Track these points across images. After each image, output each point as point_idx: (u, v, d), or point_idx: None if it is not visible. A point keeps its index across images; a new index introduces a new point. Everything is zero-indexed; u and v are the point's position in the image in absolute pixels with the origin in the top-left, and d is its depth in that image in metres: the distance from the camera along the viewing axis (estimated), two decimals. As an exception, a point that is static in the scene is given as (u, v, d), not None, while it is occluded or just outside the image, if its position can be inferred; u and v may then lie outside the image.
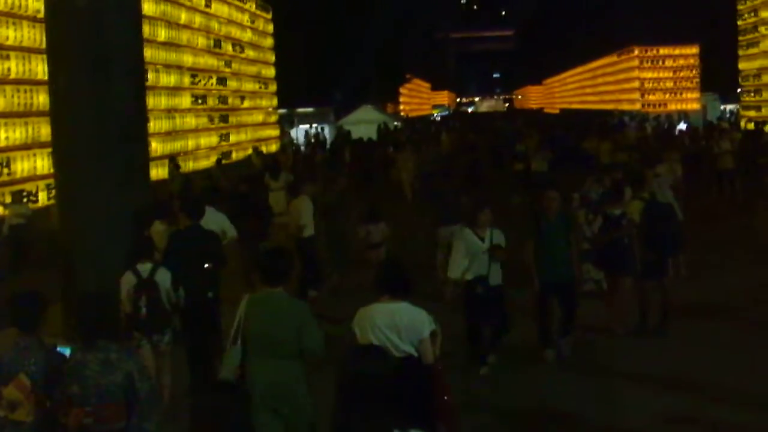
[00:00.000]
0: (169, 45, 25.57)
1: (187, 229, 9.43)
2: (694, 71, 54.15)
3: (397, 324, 6.24)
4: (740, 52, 37.78)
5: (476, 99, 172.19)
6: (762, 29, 35.01)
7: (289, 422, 6.14)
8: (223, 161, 27.95)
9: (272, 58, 39.83)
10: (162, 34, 24.94)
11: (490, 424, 8.42)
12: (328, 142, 43.87)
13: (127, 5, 9.65)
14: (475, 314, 9.53)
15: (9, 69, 16.89)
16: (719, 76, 48.55)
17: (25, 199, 17.13)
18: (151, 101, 22.73)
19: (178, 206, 10.96)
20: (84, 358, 5.15)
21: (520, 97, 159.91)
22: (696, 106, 52.74)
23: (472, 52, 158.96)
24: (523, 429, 8.48)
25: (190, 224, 9.42)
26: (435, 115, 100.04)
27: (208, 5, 30.09)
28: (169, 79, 25.45)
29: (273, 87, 39.87)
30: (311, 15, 49.22)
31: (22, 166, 17.27)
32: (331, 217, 13.63)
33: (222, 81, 31.58)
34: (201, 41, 29.05)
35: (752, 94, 36.95)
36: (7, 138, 16.89)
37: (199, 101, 28.59)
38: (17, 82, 17.13)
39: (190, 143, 27.38)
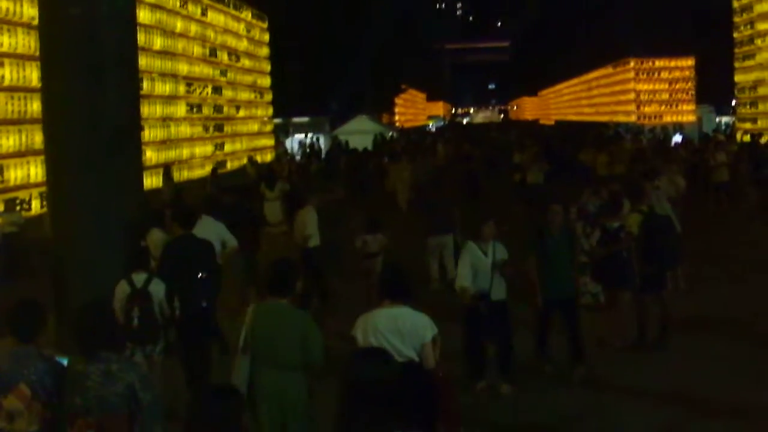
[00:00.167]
0: (164, 53, 25.49)
1: (180, 239, 9.34)
2: (689, 83, 54.18)
3: (400, 328, 6.26)
4: (736, 65, 37.78)
5: (471, 110, 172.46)
6: (758, 41, 35.02)
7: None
8: (219, 170, 27.86)
9: (268, 67, 39.79)
10: (157, 42, 24.86)
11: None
12: (323, 151, 43.83)
13: (121, 13, 9.55)
14: (476, 330, 9.35)
15: (3, 76, 16.77)
16: (715, 88, 48.61)
17: (18, 208, 17.00)
18: (146, 110, 22.63)
19: (170, 216, 10.86)
20: (85, 369, 5.11)
21: (515, 108, 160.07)
22: (692, 118, 52.75)
23: (467, 63, 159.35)
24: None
25: (182, 234, 9.33)
26: (430, 125, 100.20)
27: (204, 14, 30.03)
28: (164, 88, 25.35)
29: (268, 96, 39.81)
30: (307, 25, 49.26)
31: (15, 173, 17.13)
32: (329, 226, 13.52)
33: (217, 90, 31.51)
34: (197, 50, 28.98)
35: (748, 107, 36.95)
36: (0, 145, 16.77)
37: (195, 110, 28.50)
38: (11, 89, 17.01)
39: (185, 152, 27.26)
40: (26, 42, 17.24)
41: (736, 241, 18.22)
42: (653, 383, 9.43)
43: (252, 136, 36.86)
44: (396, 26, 72.78)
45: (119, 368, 5.12)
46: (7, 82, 16.89)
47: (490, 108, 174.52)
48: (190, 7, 28.40)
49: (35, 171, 17.35)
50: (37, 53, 10.12)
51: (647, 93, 55.09)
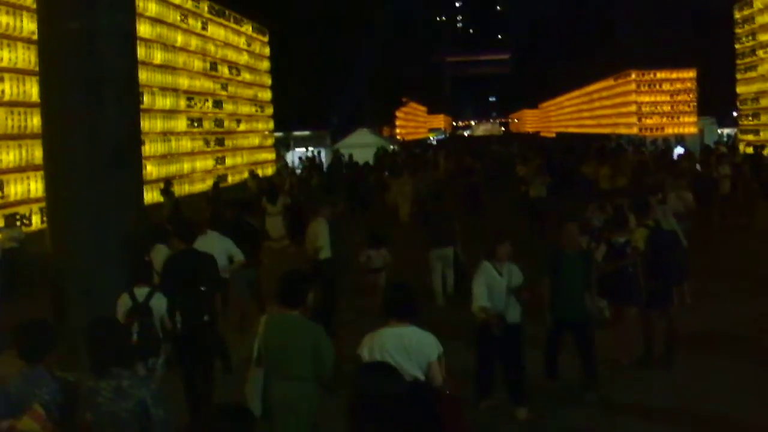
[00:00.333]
0: (165, 67, 25.44)
1: (182, 253, 9.23)
2: (691, 95, 54.11)
3: (407, 347, 6.22)
4: (738, 76, 37.71)
5: (472, 122, 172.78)
6: (760, 53, 34.95)
7: None
8: (220, 185, 27.79)
9: (269, 81, 39.75)
10: (158, 56, 24.82)
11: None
12: (325, 165, 43.79)
13: (121, 27, 9.50)
14: (488, 351, 9.04)
15: (3, 91, 16.71)
16: (716, 99, 48.55)
17: (18, 223, 16.92)
18: (147, 124, 22.56)
19: (171, 230, 10.78)
20: (96, 385, 5.11)
21: (516, 120, 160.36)
22: (693, 130, 52.70)
23: (468, 76, 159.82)
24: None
25: (184, 248, 9.24)
26: (431, 138, 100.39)
27: (204, 28, 30.01)
28: (164, 102, 25.29)
29: (269, 110, 39.77)
30: (308, 38, 49.30)
31: (15, 189, 17.04)
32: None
33: (218, 104, 31.46)
34: (197, 64, 28.94)
35: (750, 118, 36.87)
36: (0, 160, 16.68)
37: (195, 124, 28.44)
38: (11, 104, 16.95)
39: (186, 166, 27.19)
40: (26, 57, 17.18)
41: (743, 256, 18.08)
42: (660, 400, 9.33)
43: (253, 150, 36.81)
44: (396, 39, 72.93)
45: (130, 384, 5.12)
46: (7, 97, 16.82)
47: (491, 120, 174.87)
48: (191, 21, 28.37)
49: (35, 186, 17.27)
50: (37, 68, 10.03)
51: (649, 105, 54.97)
